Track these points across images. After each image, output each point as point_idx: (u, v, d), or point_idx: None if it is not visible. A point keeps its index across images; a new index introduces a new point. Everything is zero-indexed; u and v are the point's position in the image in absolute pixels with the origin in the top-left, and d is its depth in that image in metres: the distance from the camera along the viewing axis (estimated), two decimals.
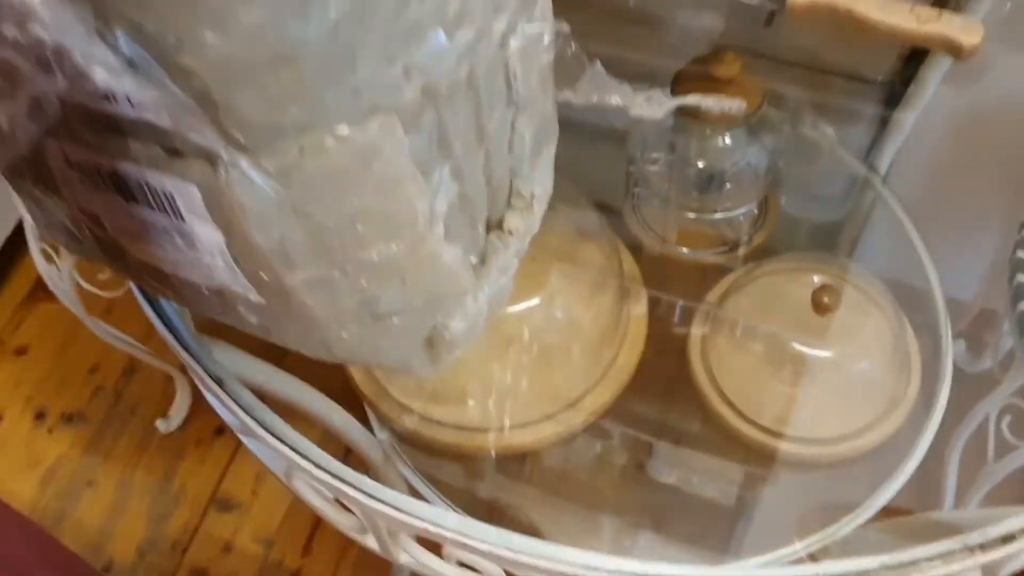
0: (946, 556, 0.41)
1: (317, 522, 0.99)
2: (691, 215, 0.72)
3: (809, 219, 0.85)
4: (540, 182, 0.51)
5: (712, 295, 0.72)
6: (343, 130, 0.34)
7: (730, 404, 0.67)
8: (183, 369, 0.82)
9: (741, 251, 0.73)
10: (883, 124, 0.80)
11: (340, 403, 0.68)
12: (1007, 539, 0.41)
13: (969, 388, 0.79)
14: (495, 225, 0.49)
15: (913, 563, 0.41)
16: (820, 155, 0.79)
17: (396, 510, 0.43)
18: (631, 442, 0.75)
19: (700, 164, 0.70)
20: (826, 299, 0.64)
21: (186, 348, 0.49)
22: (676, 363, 0.71)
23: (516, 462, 0.76)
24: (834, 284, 0.64)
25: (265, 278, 0.39)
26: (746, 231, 0.73)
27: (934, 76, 0.72)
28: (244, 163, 0.34)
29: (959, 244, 0.82)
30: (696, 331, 0.71)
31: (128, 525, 1.01)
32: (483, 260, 0.47)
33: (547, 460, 0.75)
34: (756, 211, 0.73)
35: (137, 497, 1.03)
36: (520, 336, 0.68)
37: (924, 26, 0.52)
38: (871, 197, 0.79)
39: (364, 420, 0.72)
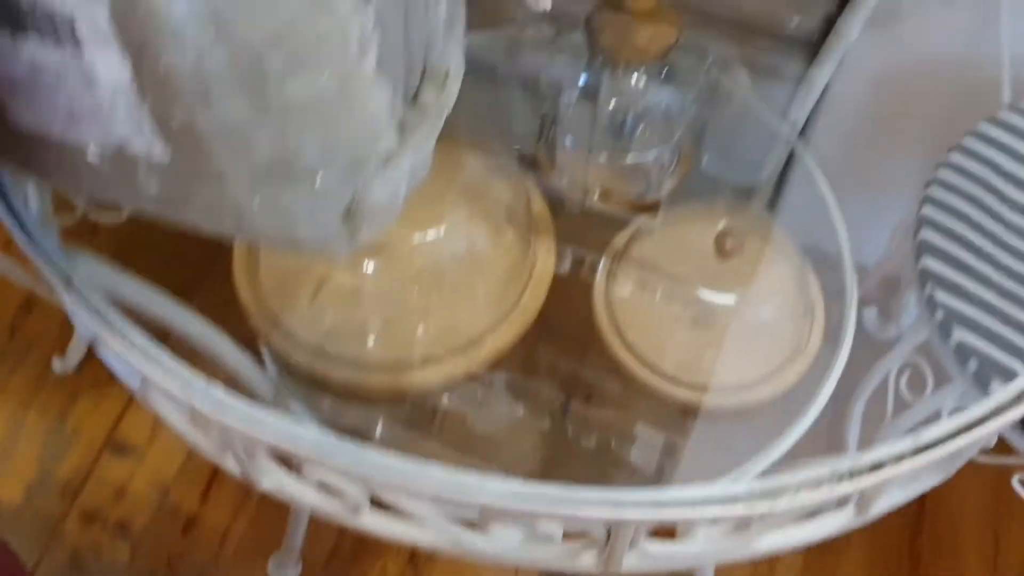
0: (815, 482, 0.40)
1: (216, 470, 0.96)
2: (603, 159, 0.71)
3: (727, 179, 0.84)
4: (453, 59, 0.49)
5: (618, 240, 0.71)
6: None
7: (632, 350, 0.66)
8: None
9: (650, 197, 0.72)
10: (801, 83, 0.80)
11: (231, 337, 0.65)
12: (876, 467, 0.41)
13: (876, 348, 0.79)
14: (411, 99, 0.47)
15: (783, 488, 0.40)
16: (737, 106, 0.78)
17: (249, 422, 0.41)
18: (532, 388, 0.74)
19: (612, 103, 0.68)
20: (728, 244, 0.63)
21: (39, 248, 0.45)
22: (581, 308, 0.70)
23: (415, 405, 0.75)
24: (737, 229, 0.64)
25: (176, 118, 0.36)
26: (657, 177, 0.72)
27: (850, 30, 0.72)
28: None
29: (875, 205, 0.82)
30: (600, 276, 0.69)
31: (17, 465, 0.97)
32: (401, 131, 0.45)
33: (444, 403, 0.74)
34: (669, 159, 0.71)
35: (28, 437, 0.99)
36: (423, 269, 0.66)
37: None
38: (787, 154, 0.78)
39: (258, 357, 0.69)
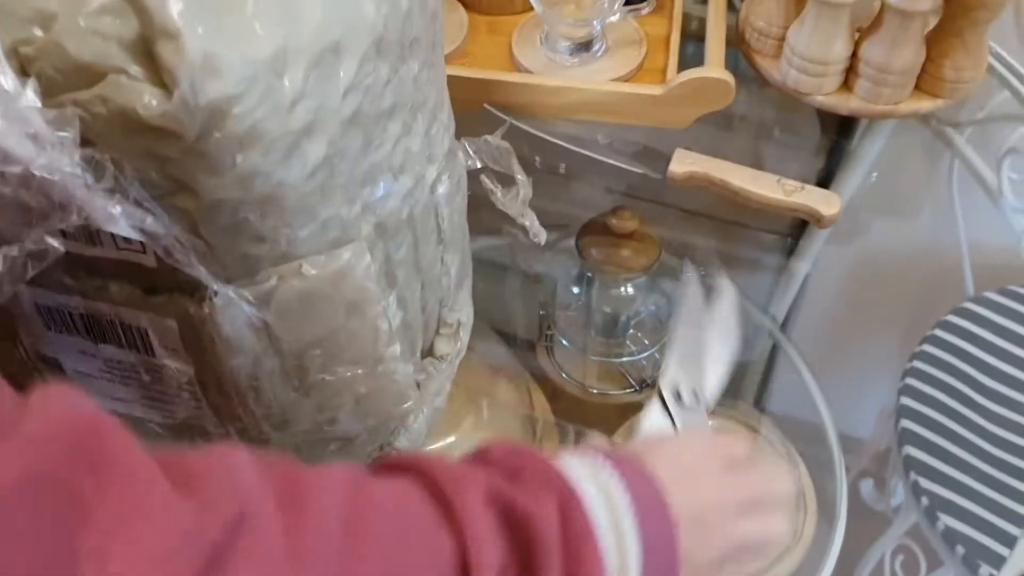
0: None
1: None
2: (599, 359, 0.76)
3: None
4: (464, 311, 0.55)
5: (619, 434, 0.75)
6: (319, 258, 0.39)
7: None
8: None
9: (647, 392, 0.77)
10: (781, 273, 0.86)
11: None
12: None
13: (873, 525, 0.82)
14: (427, 352, 0.53)
15: None
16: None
17: None
18: None
19: (605, 311, 0.74)
20: None
21: None
22: None
23: None
24: (727, 427, 0.68)
25: (231, 406, 0.42)
26: (652, 373, 0.77)
27: (821, 232, 0.78)
28: (229, 293, 0.37)
29: (859, 385, 0.86)
30: None
31: None
32: (418, 385, 0.51)
33: None
34: (661, 356, 0.77)
35: None
36: None
37: (790, 197, 0.58)
38: (771, 343, 0.83)
39: None
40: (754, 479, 0.40)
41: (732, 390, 0.87)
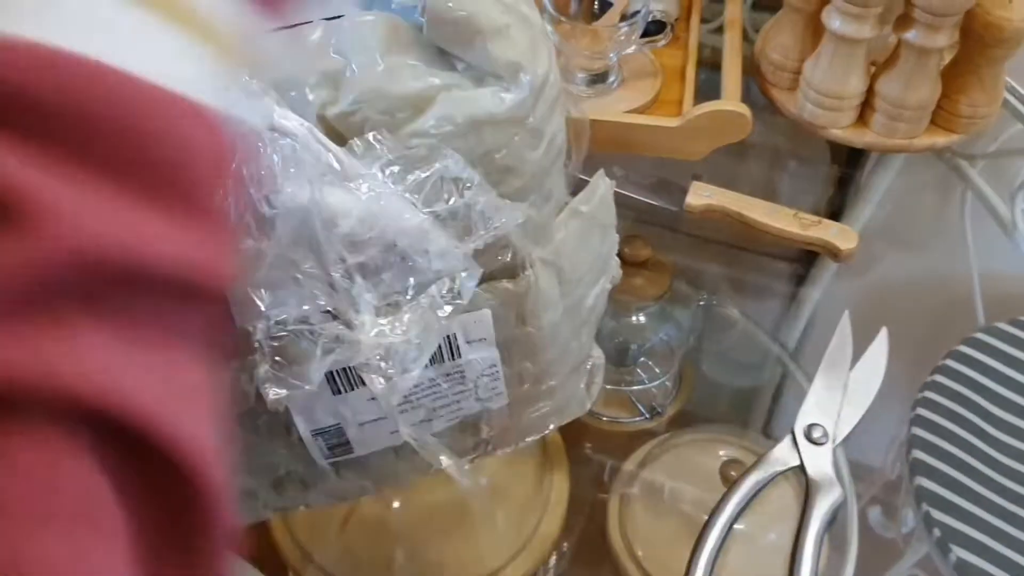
0: None
1: None
2: (610, 386, 0.76)
3: (726, 383, 0.89)
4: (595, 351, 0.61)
5: (629, 463, 0.75)
6: (583, 195, 0.44)
7: (646, 573, 0.69)
8: None
9: (657, 421, 0.77)
10: (792, 300, 0.86)
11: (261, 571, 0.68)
12: None
13: (882, 552, 0.82)
14: None
15: None
16: (733, 330, 0.84)
17: None
18: None
19: (616, 339, 0.74)
20: (733, 473, 0.67)
21: None
22: (596, 529, 0.73)
23: None
24: (740, 459, 0.68)
25: (529, 369, 0.45)
26: (663, 401, 0.77)
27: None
28: (538, 256, 0.41)
29: (866, 416, 0.86)
30: (614, 499, 0.73)
31: None
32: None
33: None
34: (671, 384, 0.77)
35: None
36: (445, 502, 0.70)
37: (806, 231, 0.58)
38: (781, 370, 0.83)
39: None
40: None
41: (741, 417, 0.87)
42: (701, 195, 0.61)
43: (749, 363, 0.89)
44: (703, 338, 0.81)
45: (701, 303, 0.77)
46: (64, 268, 0.19)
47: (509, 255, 0.39)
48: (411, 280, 0.35)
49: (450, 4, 0.34)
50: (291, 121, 0.33)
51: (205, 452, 0.21)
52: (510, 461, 0.72)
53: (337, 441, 0.44)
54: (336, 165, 0.32)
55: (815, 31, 0.61)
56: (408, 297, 0.36)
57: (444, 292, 0.36)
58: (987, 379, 0.75)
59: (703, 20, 0.71)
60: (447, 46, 0.35)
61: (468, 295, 0.36)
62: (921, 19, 0.56)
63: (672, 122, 0.62)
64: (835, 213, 0.78)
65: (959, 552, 0.67)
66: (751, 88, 0.69)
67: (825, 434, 0.48)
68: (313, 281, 0.34)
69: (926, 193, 0.81)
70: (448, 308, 0.36)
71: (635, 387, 0.76)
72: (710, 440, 0.74)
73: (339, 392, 0.40)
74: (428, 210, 0.35)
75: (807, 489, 0.48)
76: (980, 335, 0.77)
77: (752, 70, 0.67)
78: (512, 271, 0.41)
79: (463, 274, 0.36)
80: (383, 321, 0.35)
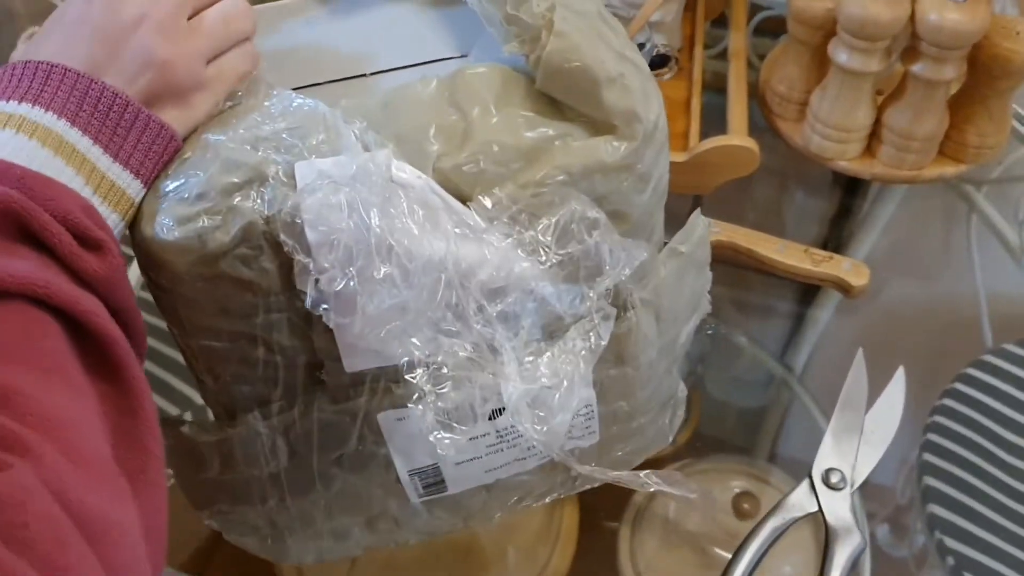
0: None
1: None
2: None
3: (733, 406, 0.88)
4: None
5: (640, 493, 0.74)
6: (682, 234, 0.45)
7: None
8: None
9: (667, 449, 0.76)
10: (799, 320, 0.85)
11: None
12: None
13: (891, 565, 0.81)
14: None
15: None
16: (740, 355, 0.83)
17: None
18: None
19: None
20: (746, 505, 0.67)
21: None
22: (607, 563, 0.73)
23: None
24: (752, 491, 0.67)
25: (623, 408, 0.46)
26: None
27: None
28: (639, 297, 0.41)
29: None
30: (625, 531, 0.73)
31: None
32: None
33: None
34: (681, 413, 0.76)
35: None
36: (455, 537, 0.69)
37: (818, 267, 0.57)
38: (787, 393, 0.83)
39: None
40: None
41: (747, 440, 0.86)
42: (710, 231, 0.60)
43: (755, 385, 0.89)
44: (710, 364, 0.80)
45: (709, 332, 0.76)
46: None
47: (612, 296, 0.39)
48: (549, 324, 0.36)
49: (566, 55, 0.35)
50: (408, 174, 0.33)
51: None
52: None
53: (433, 480, 0.45)
54: (466, 219, 0.33)
55: (821, 63, 0.61)
56: (548, 342, 0.36)
57: (583, 334, 0.36)
58: (997, 402, 0.75)
59: (705, 46, 0.71)
60: (562, 96, 0.36)
61: (607, 336, 0.36)
62: (928, 52, 0.56)
63: (679, 157, 0.61)
64: (839, 238, 0.77)
65: None
66: (753, 110, 0.68)
67: (843, 479, 0.48)
68: (456, 330, 0.34)
69: (932, 216, 0.81)
70: (589, 350, 0.36)
71: None
72: (721, 470, 0.74)
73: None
74: (562, 252, 0.35)
75: (826, 536, 0.48)
76: (989, 357, 0.77)
77: (757, 100, 0.67)
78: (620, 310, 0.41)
79: (598, 315, 0.37)
80: (527, 365, 0.36)
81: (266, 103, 0.37)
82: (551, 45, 0.35)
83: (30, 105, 0.34)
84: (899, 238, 0.77)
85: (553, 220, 0.35)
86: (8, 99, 0.34)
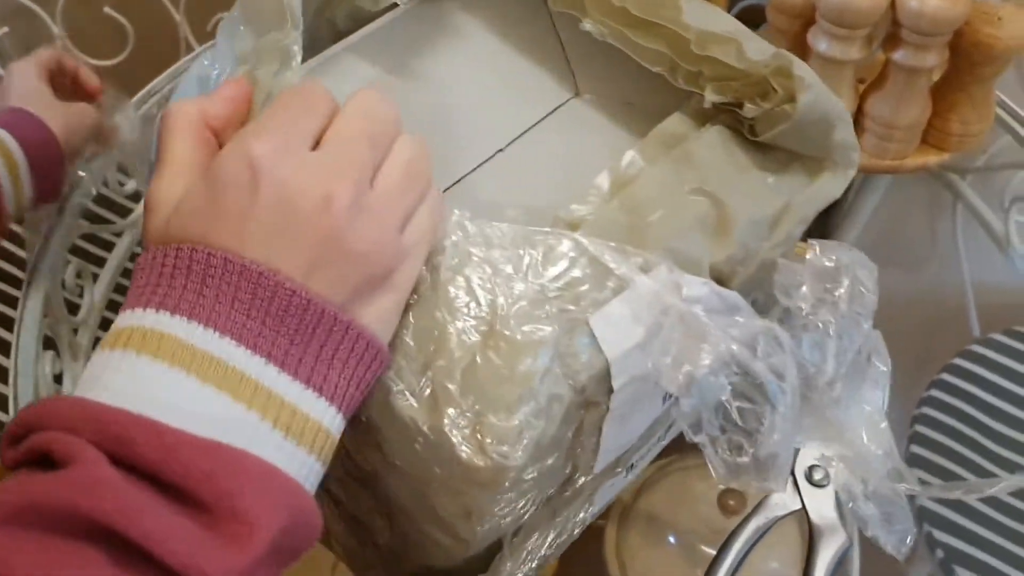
0: None
1: None
2: None
3: None
4: None
5: (626, 491, 0.73)
6: None
7: None
8: None
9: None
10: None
11: None
12: None
13: (880, 565, 0.81)
14: None
15: None
16: None
17: None
18: None
19: None
20: (731, 502, 0.66)
21: None
22: (593, 560, 0.72)
23: None
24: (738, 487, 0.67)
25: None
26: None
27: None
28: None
29: None
30: (611, 528, 0.72)
31: None
32: None
33: None
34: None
35: None
36: None
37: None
38: None
39: None
40: None
41: None
42: None
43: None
44: None
45: None
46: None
47: None
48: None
49: (815, 105, 0.34)
50: (695, 288, 0.31)
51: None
52: None
53: None
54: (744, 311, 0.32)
55: (801, 52, 0.59)
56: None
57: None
58: (984, 392, 0.74)
59: None
60: (794, 145, 0.35)
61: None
62: (909, 39, 0.55)
63: None
64: (824, 229, 0.76)
65: (963, 573, 0.66)
66: None
67: (827, 476, 0.47)
68: None
69: (917, 206, 0.80)
70: None
71: None
72: (707, 466, 0.73)
73: None
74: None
75: (811, 534, 0.47)
76: (976, 347, 0.76)
77: None
78: None
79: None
80: None
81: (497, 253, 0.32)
82: (807, 96, 0.33)
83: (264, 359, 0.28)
84: (884, 228, 0.76)
85: (841, 290, 0.37)
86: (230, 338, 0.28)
